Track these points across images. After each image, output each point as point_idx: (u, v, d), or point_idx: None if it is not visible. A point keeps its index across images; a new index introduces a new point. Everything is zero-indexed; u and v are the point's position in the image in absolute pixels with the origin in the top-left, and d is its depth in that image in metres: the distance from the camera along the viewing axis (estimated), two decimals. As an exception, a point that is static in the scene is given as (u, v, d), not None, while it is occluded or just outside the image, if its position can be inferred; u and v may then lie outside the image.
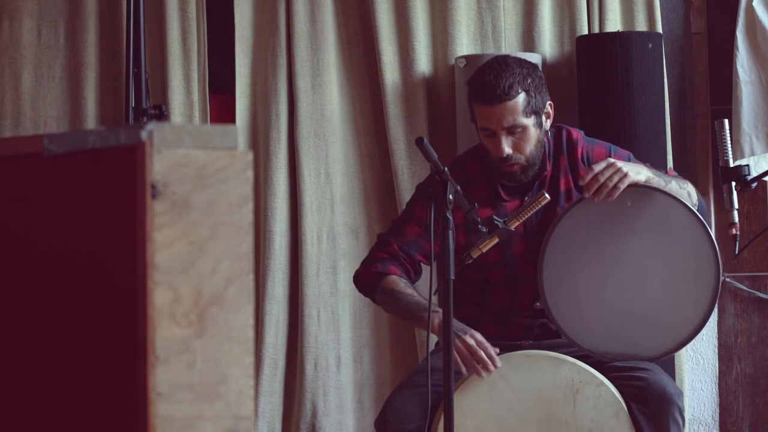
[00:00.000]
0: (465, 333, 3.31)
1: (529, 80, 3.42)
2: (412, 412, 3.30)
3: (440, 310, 3.25)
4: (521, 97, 3.39)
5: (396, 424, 3.31)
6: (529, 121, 3.41)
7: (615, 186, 3.28)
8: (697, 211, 3.44)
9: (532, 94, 3.41)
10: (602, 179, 3.28)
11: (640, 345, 3.38)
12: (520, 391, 3.30)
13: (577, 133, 3.56)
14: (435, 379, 3.17)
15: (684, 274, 3.37)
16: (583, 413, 3.28)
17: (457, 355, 3.26)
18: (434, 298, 3.27)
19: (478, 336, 3.31)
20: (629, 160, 3.48)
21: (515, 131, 3.40)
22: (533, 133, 3.42)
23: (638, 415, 3.28)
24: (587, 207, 3.37)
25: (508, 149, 3.40)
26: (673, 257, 3.37)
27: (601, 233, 3.39)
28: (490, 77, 3.41)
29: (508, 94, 3.38)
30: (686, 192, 3.45)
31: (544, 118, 3.46)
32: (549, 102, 3.48)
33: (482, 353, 3.28)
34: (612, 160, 3.33)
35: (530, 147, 3.42)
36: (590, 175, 3.29)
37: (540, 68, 3.75)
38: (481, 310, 3.51)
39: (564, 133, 3.55)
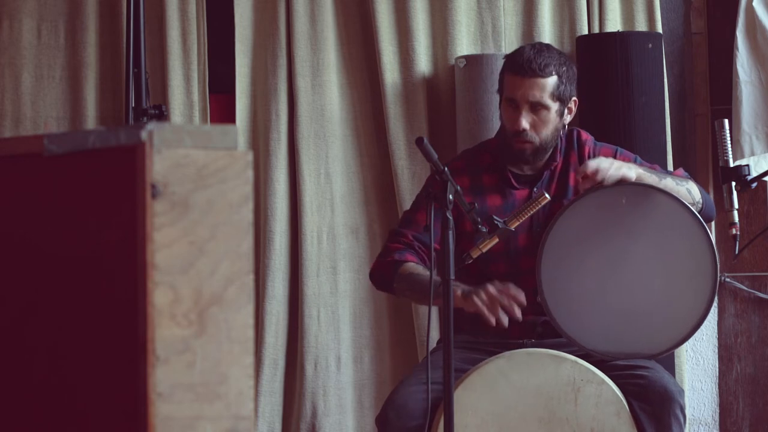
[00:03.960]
0: (484, 287, 3.32)
1: (564, 68, 3.53)
2: (413, 409, 3.31)
3: (459, 284, 3.31)
4: (552, 79, 3.49)
5: (397, 421, 3.31)
6: (553, 105, 3.50)
7: (609, 175, 3.33)
8: (703, 207, 3.47)
9: (563, 81, 3.51)
10: (594, 164, 3.34)
11: (639, 343, 3.38)
12: (521, 389, 3.30)
13: (587, 135, 3.64)
14: (436, 377, 3.17)
15: (682, 270, 3.38)
16: (585, 411, 3.28)
17: (483, 307, 3.28)
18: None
19: (497, 285, 3.31)
20: (636, 161, 3.53)
21: (537, 110, 3.49)
22: (553, 119, 3.51)
23: (640, 413, 3.28)
24: (584, 207, 3.38)
25: (525, 124, 3.48)
26: (671, 255, 3.38)
27: (598, 232, 3.39)
28: (530, 53, 3.53)
29: (542, 72, 3.48)
30: (684, 189, 3.46)
31: (566, 110, 3.55)
32: (575, 98, 3.58)
33: (505, 300, 3.28)
34: (602, 158, 3.40)
35: (546, 131, 3.50)
36: (586, 168, 3.34)
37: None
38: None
39: (575, 133, 3.63)
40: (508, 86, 3.53)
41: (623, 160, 3.53)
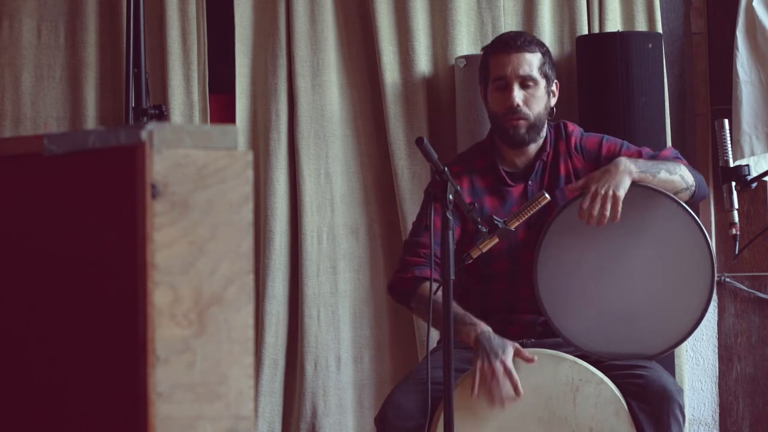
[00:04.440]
0: (497, 357, 3.27)
1: (545, 49, 3.61)
2: (412, 409, 3.31)
3: (477, 323, 3.29)
4: (538, 56, 3.55)
5: (396, 421, 3.31)
6: (542, 81, 3.54)
7: (613, 211, 3.30)
8: (696, 189, 3.47)
9: (547, 60, 3.57)
10: (595, 213, 3.30)
11: (637, 343, 3.38)
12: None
13: (573, 126, 3.66)
14: (436, 377, 3.17)
15: (680, 271, 3.38)
16: (584, 411, 3.28)
17: (477, 376, 3.25)
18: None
19: (509, 363, 3.26)
20: (623, 147, 3.55)
21: (527, 84, 3.52)
22: (542, 96, 3.54)
23: (639, 413, 3.28)
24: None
25: (519, 98, 3.50)
26: (668, 255, 3.38)
27: (595, 233, 3.39)
28: (511, 34, 3.63)
29: (528, 47, 3.55)
30: (678, 176, 3.46)
31: (551, 92, 3.58)
32: (557, 82, 3.62)
33: (501, 389, 3.25)
34: (593, 187, 3.34)
35: (538, 107, 3.53)
36: (584, 214, 3.31)
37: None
38: (482, 302, 3.51)
39: (562, 124, 3.65)
40: (495, 67, 3.55)
41: (609, 147, 3.55)
